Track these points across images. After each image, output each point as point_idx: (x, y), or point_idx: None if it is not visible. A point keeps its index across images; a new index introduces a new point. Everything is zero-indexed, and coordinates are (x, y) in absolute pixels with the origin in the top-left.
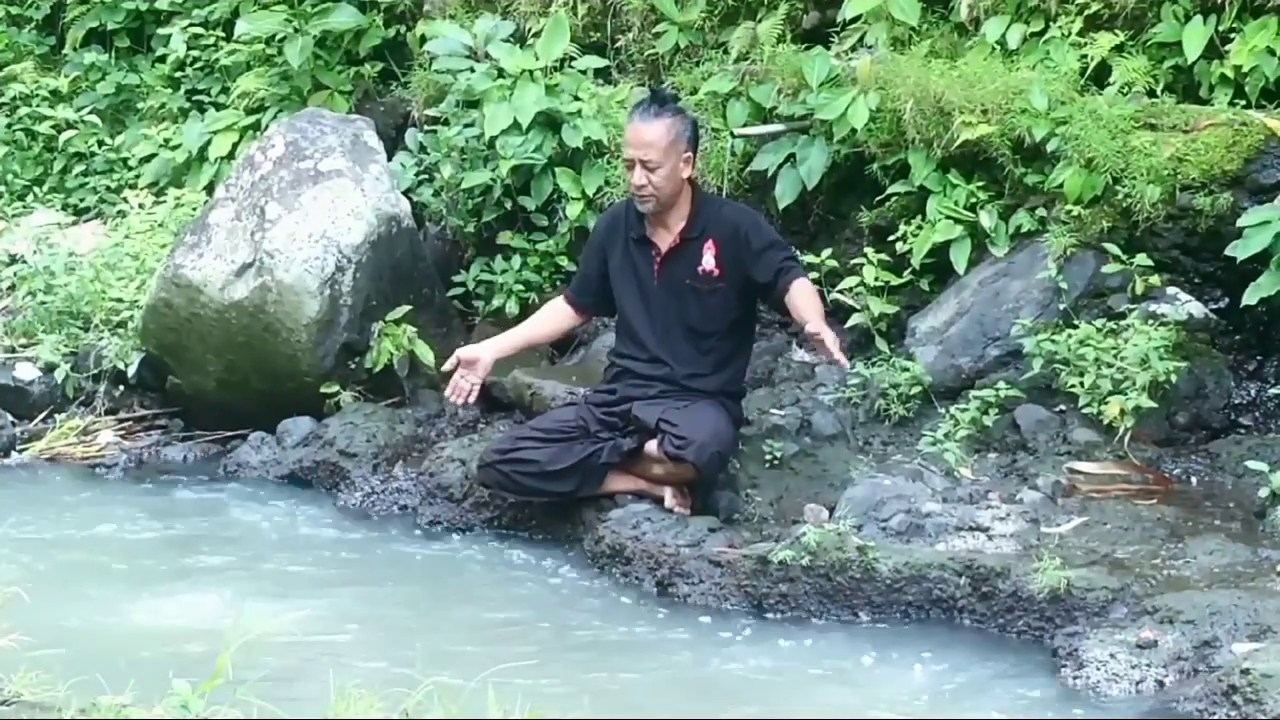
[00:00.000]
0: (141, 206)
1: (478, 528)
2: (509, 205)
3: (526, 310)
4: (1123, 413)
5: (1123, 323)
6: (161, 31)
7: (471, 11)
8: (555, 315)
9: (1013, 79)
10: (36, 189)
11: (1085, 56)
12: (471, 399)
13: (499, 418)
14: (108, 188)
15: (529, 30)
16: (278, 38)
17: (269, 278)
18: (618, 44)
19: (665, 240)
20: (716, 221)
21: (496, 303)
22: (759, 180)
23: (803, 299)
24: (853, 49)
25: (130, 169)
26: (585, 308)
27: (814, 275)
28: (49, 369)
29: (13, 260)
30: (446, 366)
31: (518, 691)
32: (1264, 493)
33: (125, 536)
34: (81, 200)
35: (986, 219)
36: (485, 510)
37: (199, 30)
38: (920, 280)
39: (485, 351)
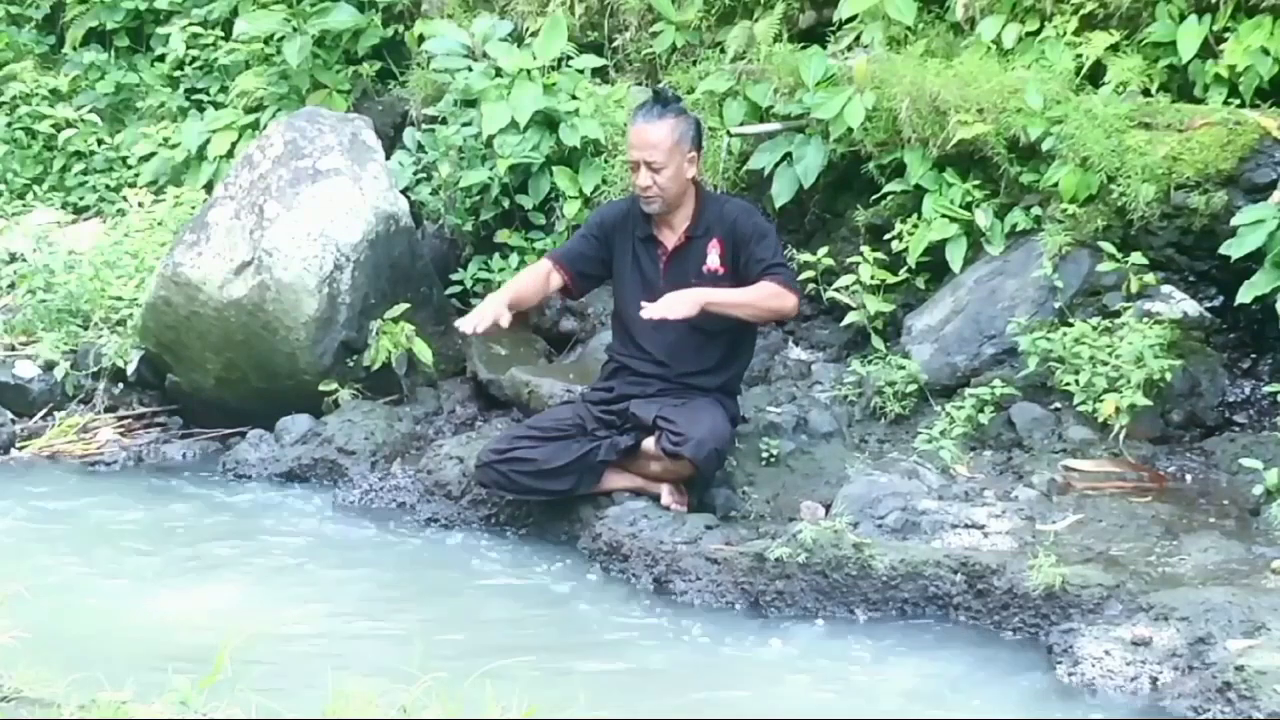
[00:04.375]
0: (141, 205)
1: (475, 525)
2: (507, 204)
3: None
4: (1118, 410)
5: (1118, 321)
6: (161, 31)
7: (469, 11)
8: (534, 276)
9: (1008, 78)
10: (36, 187)
11: (1080, 56)
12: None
13: (496, 415)
14: (107, 186)
15: (526, 29)
16: (276, 37)
17: (268, 276)
18: (615, 43)
19: (671, 239)
20: (720, 219)
21: None
22: (756, 179)
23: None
24: (849, 48)
25: (129, 168)
26: (571, 277)
27: (810, 274)
28: (49, 367)
29: (13, 258)
30: (481, 329)
31: (515, 688)
32: (1258, 490)
33: (124, 534)
34: (81, 199)
35: (982, 218)
36: (483, 507)
37: (198, 29)
38: (916, 278)
39: (500, 310)
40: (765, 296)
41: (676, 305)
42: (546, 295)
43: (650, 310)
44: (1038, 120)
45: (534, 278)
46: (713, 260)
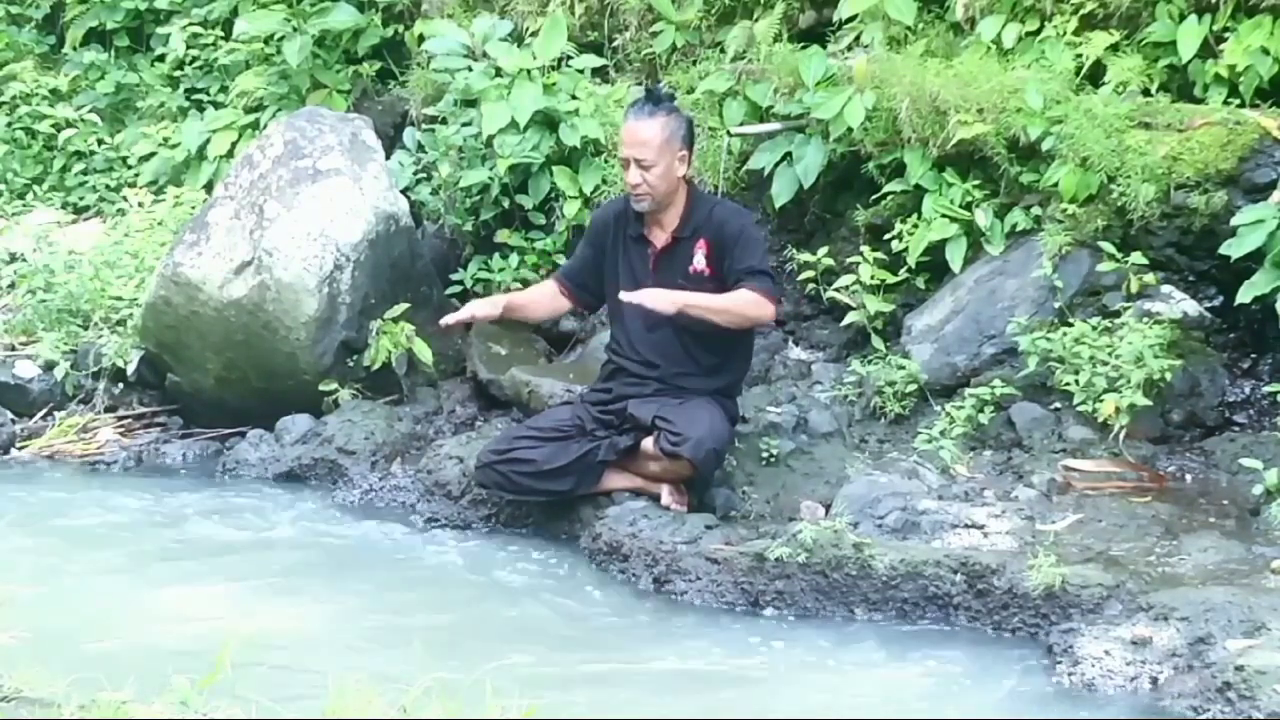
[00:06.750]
0: (141, 205)
1: (475, 525)
2: (507, 204)
3: None
4: (1118, 410)
5: (1117, 321)
6: (161, 31)
7: (469, 11)
8: (542, 292)
9: (1008, 78)
10: (36, 187)
11: (1080, 56)
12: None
13: (496, 415)
14: (107, 186)
15: (526, 29)
16: (276, 37)
17: (268, 276)
18: (615, 43)
19: (660, 239)
20: (709, 221)
21: None
22: (755, 179)
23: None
24: (849, 48)
25: (130, 167)
26: (570, 292)
27: (810, 274)
28: (49, 367)
29: (13, 258)
30: (460, 318)
31: (515, 688)
32: (1258, 490)
33: (124, 534)
34: (81, 199)
35: (982, 217)
36: (483, 507)
37: (198, 29)
38: (916, 278)
39: (490, 311)
40: (744, 305)
41: (658, 298)
42: (557, 313)
43: (629, 296)
44: (1038, 120)
45: (543, 294)
46: (699, 262)
